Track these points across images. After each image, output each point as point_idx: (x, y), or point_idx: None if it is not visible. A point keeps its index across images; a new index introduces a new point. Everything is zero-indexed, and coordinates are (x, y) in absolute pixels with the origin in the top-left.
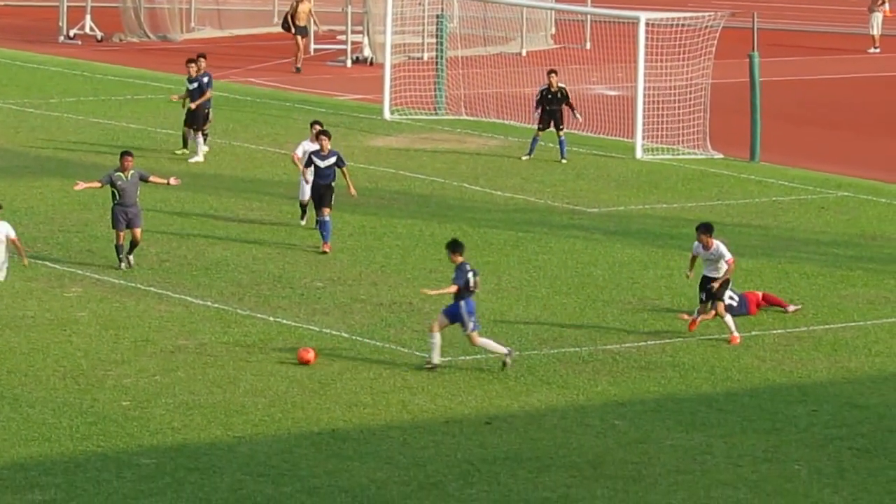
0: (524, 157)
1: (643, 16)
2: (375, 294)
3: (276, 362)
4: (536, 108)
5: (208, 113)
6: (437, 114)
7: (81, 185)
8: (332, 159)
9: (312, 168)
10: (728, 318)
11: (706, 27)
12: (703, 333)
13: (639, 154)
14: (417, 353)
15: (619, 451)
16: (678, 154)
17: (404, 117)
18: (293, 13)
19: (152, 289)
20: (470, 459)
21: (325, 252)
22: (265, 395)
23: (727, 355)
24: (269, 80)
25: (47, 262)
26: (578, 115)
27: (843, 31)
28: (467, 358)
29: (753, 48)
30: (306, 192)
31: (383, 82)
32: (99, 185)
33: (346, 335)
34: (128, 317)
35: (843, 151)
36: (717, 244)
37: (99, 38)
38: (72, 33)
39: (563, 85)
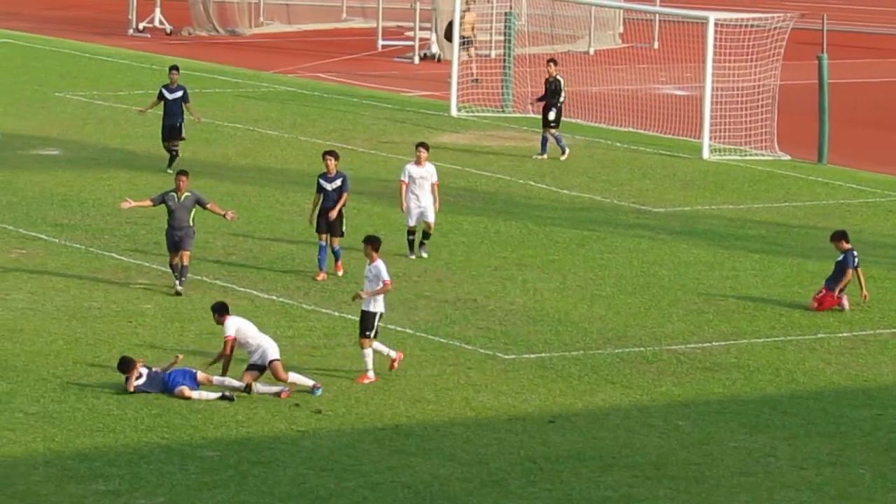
0: (536, 157)
1: (712, 16)
2: (440, 291)
3: (341, 357)
4: (540, 99)
5: (181, 125)
6: (503, 111)
7: (130, 204)
8: (339, 181)
9: (322, 194)
10: (368, 353)
11: (775, 28)
12: (767, 335)
13: (706, 154)
14: (481, 350)
15: (681, 451)
16: (745, 155)
17: (471, 114)
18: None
19: (218, 282)
20: (533, 457)
21: (339, 274)
22: (329, 390)
23: (792, 357)
24: (337, 75)
25: (114, 254)
26: (552, 116)
27: None
28: (531, 356)
29: (822, 50)
30: (413, 217)
31: (450, 79)
32: (150, 203)
33: (410, 331)
34: (193, 309)
35: None
36: (379, 262)
37: (168, 31)
38: (141, 26)
39: (559, 77)
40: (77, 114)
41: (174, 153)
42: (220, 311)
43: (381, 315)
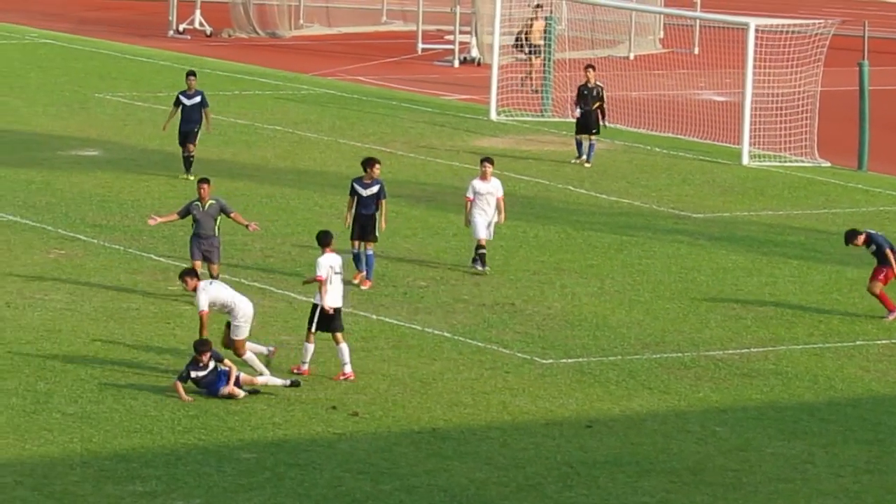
0: (573, 161)
1: (753, 22)
2: (478, 294)
3: (378, 360)
4: (575, 105)
5: (197, 131)
6: (543, 115)
7: (157, 220)
8: (375, 188)
9: (355, 199)
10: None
11: (816, 35)
12: (806, 342)
13: (745, 160)
14: (519, 355)
15: (719, 457)
16: (785, 161)
17: (510, 118)
18: (527, 31)
19: (255, 284)
20: (570, 462)
21: (363, 288)
22: (366, 393)
23: (830, 364)
24: (376, 78)
25: (152, 256)
26: (607, 123)
27: None
28: (569, 361)
29: (864, 56)
30: (480, 230)
31: (490, 83)
32: (177, 217)
33: (447, 335)
34: None
35: None
36: (319, 259)
37: (208, 33)
38: (181, 28)
39: (600, 83)
40: (116, 115)
41: (190, 158)
42: (183, 275)
43: (317, 307)
